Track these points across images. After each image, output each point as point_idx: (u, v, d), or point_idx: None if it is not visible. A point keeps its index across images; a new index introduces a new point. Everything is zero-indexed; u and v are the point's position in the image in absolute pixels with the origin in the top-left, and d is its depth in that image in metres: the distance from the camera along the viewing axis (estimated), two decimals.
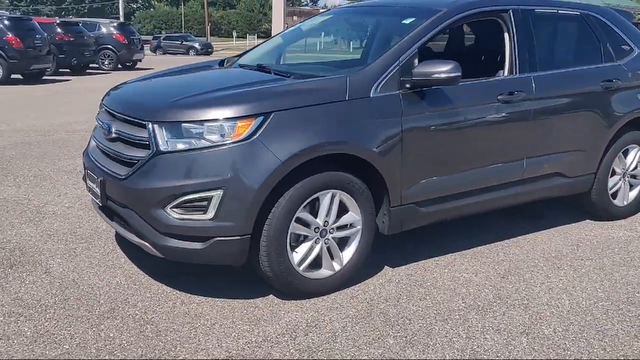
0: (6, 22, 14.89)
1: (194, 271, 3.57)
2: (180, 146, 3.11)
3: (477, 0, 4.03)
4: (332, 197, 3.32)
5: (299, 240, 3.32)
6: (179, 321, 3.09)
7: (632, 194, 4.97)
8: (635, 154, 4.84)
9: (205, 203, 3.05)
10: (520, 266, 3.90)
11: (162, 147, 3.12)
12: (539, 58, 4.19)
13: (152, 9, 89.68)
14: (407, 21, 3.96)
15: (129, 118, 3.37)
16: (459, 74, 3.46)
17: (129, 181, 3.19)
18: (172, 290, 3.44)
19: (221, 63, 4.53)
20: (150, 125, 3.18)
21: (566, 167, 4.39)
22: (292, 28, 5.10)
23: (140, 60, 23.03)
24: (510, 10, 4.11)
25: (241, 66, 4.23)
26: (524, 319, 3.19)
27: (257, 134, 3.08)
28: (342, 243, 3.49)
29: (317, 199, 3.29)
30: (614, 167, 4.74)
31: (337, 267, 3.45)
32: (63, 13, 71.41)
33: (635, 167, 4.90)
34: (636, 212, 5.02)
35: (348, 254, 3.48)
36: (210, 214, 3.05)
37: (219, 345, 2.86)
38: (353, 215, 3.44)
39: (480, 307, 3.31)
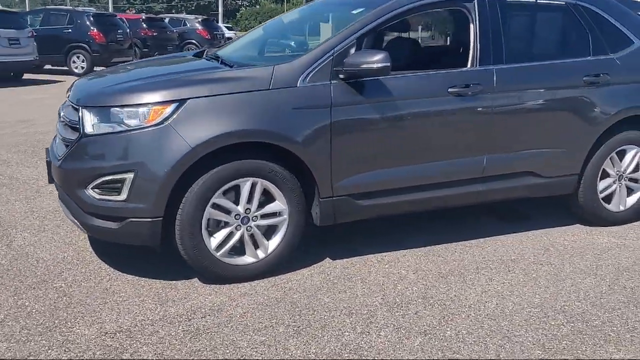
0: (91, 18, 15.97)
1: (144, 252, 3.68)
2: (103, 130, 3.27)
3: None
4: (253, 185, 3.35)
5: (219, 225, 3.38)
6: (94, 296, 3.26)
7: (631, 200, 4.58)
8: (634, 156, 4.46)
9: (119, 185, 3.19)
10: (468, 267, 3.74)
11: (88, 130, 3.30)
12: (508, 50, 3.97)
13: (257, 6, 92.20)
14: (355, 11, 3.90)
15: (71, 103, 3.58)
16: (388, 64, 3.38)
17: (62, 162, 3.40)
18: (109, 268, 3.62)
19: (198, 54, 4.66)
20: (80, 110, 3.36)
21: (540, 166, 4.13)
22: (274, 19, 5.15)
23: None
24: (475, 0, 3.93)
25: (207, 57, 4.33)
26: (433, 320, 3.07)
27: (170, 120, 3.17)
28: (270, 232, 3.51)
29: (239, 186, 3.34)
30: (605, 168, 4.40)
31: (261, 255, 3.48)
32: (173, 10, 75.08)
33: (636, 170, 4.52)
34: (636, 219, 4.63)
35: (274, 242, 3.50)
36: (124, 195, 3.19)
37: (115, 320, 2.99)
38: (279, 204, 3.45)
39: (395, 305, 3.22)
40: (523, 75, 3.99)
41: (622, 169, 4.47)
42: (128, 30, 17.11)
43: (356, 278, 3.54)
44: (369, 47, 3.71)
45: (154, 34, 19.32)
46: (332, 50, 3.50)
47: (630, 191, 4.57)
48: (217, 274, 3.40)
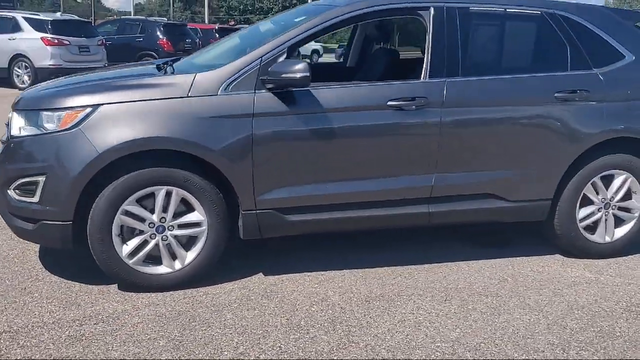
0: (161, 28, 16.69)
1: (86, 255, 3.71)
2: (25, 133, 3.34)
3: None
4: (168, 193, 3.30)
5: (134, 233, 3.36)
6: (8, 295, 3.32)
7: (621, 231, 4.12)
8: (623, 182, 4.01)
9: (33, 187, 3.24)
10: (403, 293, 3.49)
11: (13, 133, 3.38)
12: (467, 62, 3.69)
13: None
14: (297, 19, 3.76)
15: (12, 107, 3.70)
16: (307, 74, 3.23)
17: None
18: (42, 268, 3.68)
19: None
20: (10, 113, 3.46)
21: (502, 188, 3.80)
22: (252, 26, 5.09)
23: None
24: (432, 8, 3.69)
25: (164, 63, 4.29)
26: (326, 346, 2.87)
27: (81, 125, 3.19)
28: (190, 242, 3.44)
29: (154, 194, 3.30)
30: (587, 194, 3.98)
31: (177, 265, 3.41)
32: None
33: (628, 198, 4.06)
34: (626, 252, 4.16)
35: (192, 254, 3.43)
36: (37, 197, 3.23)
37: (10, 320, 3.02)
38: (198, 214, 3.38)
39: (296, 327, 3.04)
40: (481, 89, 3.69)
41: (609, 196, 4.03)
42: (197, 39, 17.70)
43: (275, 296, 3.40)
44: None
45: None
46: (260, 59, 3.39)
47: (620, 221, 4.11)
48: (130, 281, 3.37)
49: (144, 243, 3.34)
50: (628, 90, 3.94)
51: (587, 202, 4.01)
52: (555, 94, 3.77)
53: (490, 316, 3.23)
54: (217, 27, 21.15)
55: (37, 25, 13.61)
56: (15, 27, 13.71)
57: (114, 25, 17.50)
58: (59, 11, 23.21)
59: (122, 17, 26.83)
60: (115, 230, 3.26)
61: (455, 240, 4.34)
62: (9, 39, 13.62)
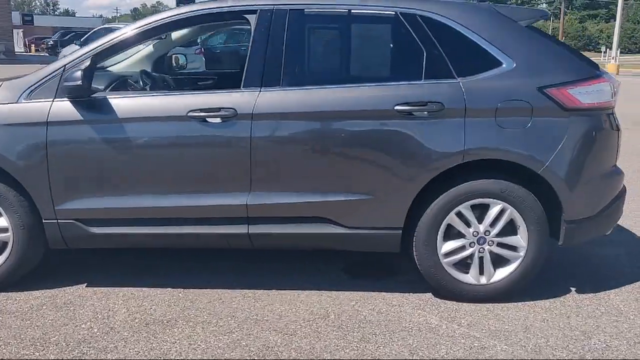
0: None
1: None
2: None
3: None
4: None
5: None
6: None
7: (503, 271, 3.42)
8: (500, 213, 3.33)
9: None
10: (182, 318, 3.20)
11: None
12: (290, 71, 3.32)
13: None
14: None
15: None
16: (78, 83, 3.12)
17: None
18: None
19: None
20: None
21: (337, 213, 3.35)
22: None
23: None
24: (259, 11, 3.37)
25: None
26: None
27: None
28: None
29: None
30: (454, 226, 3.37)
31: None
32: None
33: (511, 233, 3.37)
34: (510, 296, 3.45)
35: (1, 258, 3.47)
36: None
37: None
38: (3, 220, 3.42)
39: (51, 343, 2.94)
40: (302, 101, 3.27)
41: (482, 230, 3.37)
42: None
43: (66, 308, 3.31)
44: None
45: None
46: (63, 68, 3.34)
47: (503, 260, 3.42)
48: None
49: None
50: (498, 104, 3.26)
51: (455, 235, 3.39)
52: (396, 107, 3.23)
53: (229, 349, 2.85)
54: None
55: None
56: None
57: (223, 34, 18.44)
58: None
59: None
60: None
61: (323, 265, 3.92)
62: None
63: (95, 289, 3.57)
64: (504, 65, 3.30)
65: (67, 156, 3.31)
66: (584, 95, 3.31)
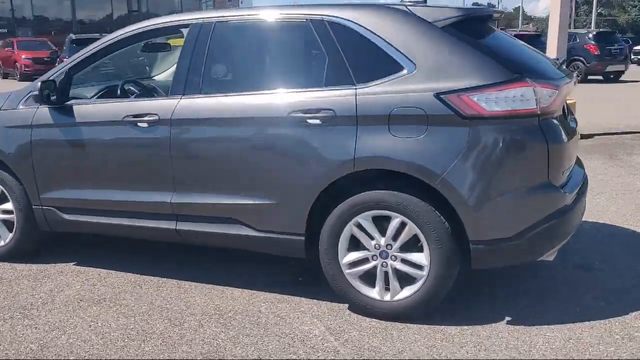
0: (590, 35, 20.72)
1: None
2: None
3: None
4: None
5: None
6: None
7: (407, 290, 3.22)
8: (400, 227, 3.16)
9: None
10: (119, 303, 3.62)
11: None
12: (209, 79, 3.58)
13: None
14: None
15: None
16: (36, 92, 3.79)
17: None
18: None
19: None
20: None
21: (247, 215, 3.48)
22: None
23: (622, 72, 21.06)
24: (191, 25, 3.65)
25: None
26: None
27: None
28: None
29: None
30: (357, 237, 3.28)
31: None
32: None
33: (417, 250, 3.17)
34: (411, 317, 3.22)
35: None
36: None
37: None
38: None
39: None
40: (213, 107, 3.49)
41: (384, 243, 3.22)
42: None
43: (37, 279, 3.97)
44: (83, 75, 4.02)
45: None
46: (45, 79, 4.00)
47: (408, 278, 3.22)
48: None
49: None
50: (391, 111, 3.08)
51: (359, 246, 3.29)
52: (291, 114, 3.26)
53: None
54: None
55: None
56: None
57: None
58: None
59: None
60: None
61: (275, 269, 4.02)
62: None
63: (79, 267, 4.17)
64: (404, 71, 3.11)
65: (43, 154, 3.97)
66: (491, 102, 2.96)
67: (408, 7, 3.23)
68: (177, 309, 3.49)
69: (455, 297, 3.35)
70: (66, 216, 4.01)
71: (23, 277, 4.03)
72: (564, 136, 3.19)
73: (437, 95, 3.00)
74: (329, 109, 3.18)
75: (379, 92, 3.12)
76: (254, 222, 3.47)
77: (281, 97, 3.34)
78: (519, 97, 2.97)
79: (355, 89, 3.17)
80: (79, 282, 3.92)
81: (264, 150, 3.38)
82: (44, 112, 3.96)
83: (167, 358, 2.96)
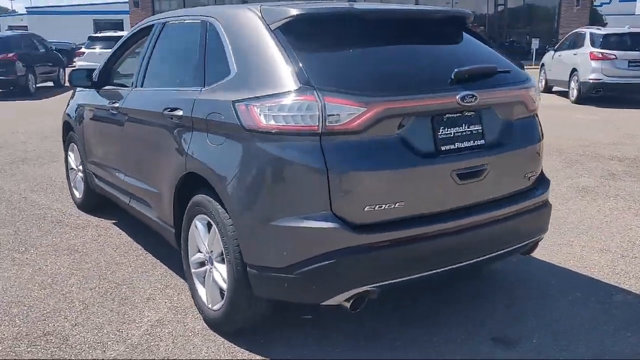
0: None
1: None
2: None
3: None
4: None
5: None
6: None
7: (223, 301, 3.11)
8: (209, 231, 3.12)
9: None
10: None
11: None
12: (150, 74, 3.98)
13: None
14: None
15: None
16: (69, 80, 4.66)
17: None
18: None
19: None
20: None
21: (149, 200, 3.81)
22: None
23: None
24: (152, 26, 4.13)
25: None
26: None
27: None
28: None
29: None
30: (197, 238, 3.30)
31: None
32: None
33: (223, 256, 3.04)
34: (228, 331, 3.11)
35: None
36: None
37: None
38: None
39: None
40: (136, 99, 3.97)
41: (208, 249, 3.20)
42: None
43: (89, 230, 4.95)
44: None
45: None
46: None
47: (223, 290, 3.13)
48: None
49: None
50: (207, 116, 3.02)
51: (199, 248, 3.32)
52: (164, 111, 3.44)
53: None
54: None
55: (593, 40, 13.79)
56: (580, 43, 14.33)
57: None
58: None
59: None
60: None
61: None
62: (573, 54, 14.35)
63: (117, 229, 5.03)
64: (229, 75, 2.99)
65: (85, 128, 4.93)
66: (269, 115, 2.66)
67: (261, 6, 3.03)
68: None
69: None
70: (96, 181, 4.89)
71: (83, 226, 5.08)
72: (377, 163, 2.60)
73: (233, 104, 2.83)
74: (180, 109, 3.27)
75: (206, 96, 3.10)
76: (152, 208, 3.77)
77: (160, 95, 3.67)
78: (296, 111, 2.58)
79: (200, 91, 3.18)
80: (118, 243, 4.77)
81: (147, 142, 3.78)
82: (81, 94, 4.95)
83: None
